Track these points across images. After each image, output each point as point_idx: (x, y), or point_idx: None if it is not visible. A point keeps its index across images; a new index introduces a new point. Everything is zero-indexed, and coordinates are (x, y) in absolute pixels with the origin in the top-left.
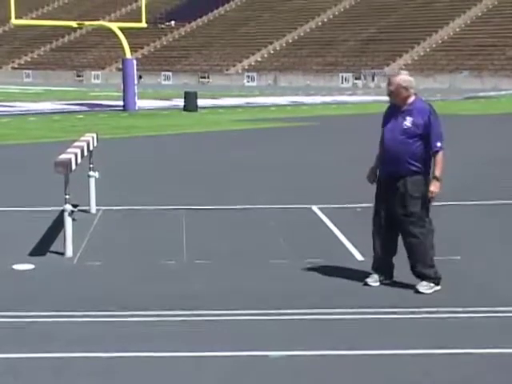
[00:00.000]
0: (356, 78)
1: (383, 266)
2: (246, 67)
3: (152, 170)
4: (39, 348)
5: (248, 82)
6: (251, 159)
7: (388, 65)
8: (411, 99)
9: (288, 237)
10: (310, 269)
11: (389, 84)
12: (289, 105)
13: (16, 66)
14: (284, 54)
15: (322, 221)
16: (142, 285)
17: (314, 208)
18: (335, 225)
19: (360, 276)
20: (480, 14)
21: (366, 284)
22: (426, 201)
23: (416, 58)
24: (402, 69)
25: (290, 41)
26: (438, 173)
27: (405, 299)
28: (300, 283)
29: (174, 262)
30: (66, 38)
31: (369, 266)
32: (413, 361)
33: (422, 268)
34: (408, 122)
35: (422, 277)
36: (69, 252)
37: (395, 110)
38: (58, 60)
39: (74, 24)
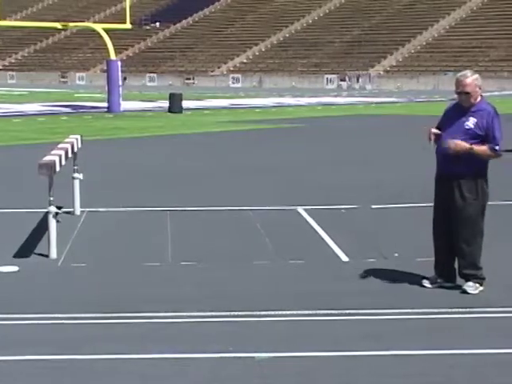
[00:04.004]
0: (341, 80)
1: (442, 267)
2: (231, 69)
3: (137, 172)
4: (24, 351)
5: (233, 83)
6: (236, 161)
7: (373, 66)
8: (477, 99)
9: (274, 238)
10: (295, 270)
11: (463, 85)
12: (274, 106)
13: (0, 67)
14: (269, 55)
15: (307, 222)
16: (127, 287)
17: (300, 209)
18: (320, 226)
19: (345, 277)
20: (464, 16)
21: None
22: (481, 204)
23: (400, 59)
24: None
25: (275, 42)
26: (475, 146)
27: (398, 300)
28: (285, 284)
29: (159, 264)
30: (51, 40)
31: (353, 267)
32: (404, 362)
33: (472, 270)
34: (471, 122)
35: (469, 278)
36: (53, 254)
37: (458, 111)
38: (43, 61)
39: (58, 25)
